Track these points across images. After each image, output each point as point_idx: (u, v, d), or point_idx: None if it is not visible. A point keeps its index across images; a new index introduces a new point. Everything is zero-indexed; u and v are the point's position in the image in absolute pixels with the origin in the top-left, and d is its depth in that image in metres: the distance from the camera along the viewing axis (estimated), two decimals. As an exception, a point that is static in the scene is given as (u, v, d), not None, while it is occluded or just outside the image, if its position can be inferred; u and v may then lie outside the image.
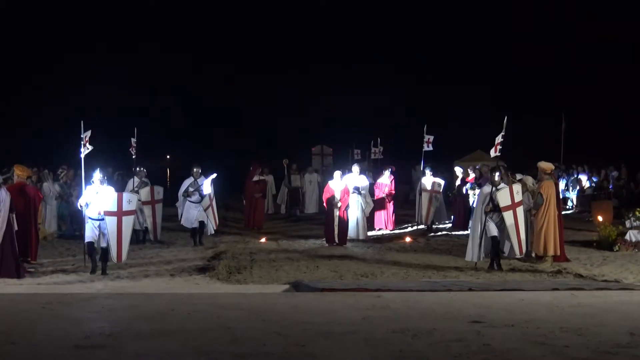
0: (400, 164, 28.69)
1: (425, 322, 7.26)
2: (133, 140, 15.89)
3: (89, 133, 12.60)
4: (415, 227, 18.37)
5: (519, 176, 13.76)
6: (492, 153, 12.79)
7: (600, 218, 16.81)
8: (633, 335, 6.68)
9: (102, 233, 11.64)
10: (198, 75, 49.05)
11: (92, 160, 13.02)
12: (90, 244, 11.70)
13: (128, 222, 11.88)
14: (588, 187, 23.64)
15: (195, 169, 15.81)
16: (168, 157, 48.75)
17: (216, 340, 6.59)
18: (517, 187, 12.43)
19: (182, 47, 48.34)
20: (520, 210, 12.24)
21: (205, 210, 15.65)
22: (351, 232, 16.04)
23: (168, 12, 48.85)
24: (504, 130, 12.57)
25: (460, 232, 17.56)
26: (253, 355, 6.06)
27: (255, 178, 19.38)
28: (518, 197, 12.26)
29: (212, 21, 50.28)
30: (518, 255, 12.38)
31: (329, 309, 8.06)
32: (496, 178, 12.30)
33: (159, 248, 14.96)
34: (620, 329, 6.93)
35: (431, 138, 17.85)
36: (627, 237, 14.22)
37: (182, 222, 15.92)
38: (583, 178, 24.10)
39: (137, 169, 16.10)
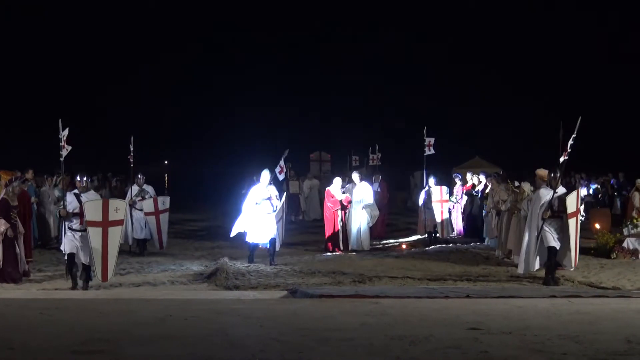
0: (399, 170, 28.72)
1: (423, 328, 7.26)
2: (131, 147, 15.67)
3: (66, 132, 11.10)
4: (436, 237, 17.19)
5: (517, 184, 13.77)
6: (562, 158, 11.50)
7: (597, 226, 16.82)
8: (630, 342, 6.68)
9: (82, 246, 10.27)
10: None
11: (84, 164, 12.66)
12: (72, 256, 10.37)
13: (115, 234, 10.23)
14: (587, 195, 23.66)
15: (266, 175, 13.71)
16: (166, 162, 48.67)
17: (214, 345, 6.58)
18: (581, 193, 11.57)
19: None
20: (578, 219, 11.44)
21: (278, 221, 13.78)
22: (354, 242, 15.66)
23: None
24: (575, 132, 11.36)
25: (459, 240, 17.55)
26: (251, 361, 6.06)
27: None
28: (578, 204, 11.51)
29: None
30: (572, 268, 11.58)
31: (326, 315, 8.05)
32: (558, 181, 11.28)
33: (157, 256, 14.93)
34: (618, 336, 6.93)
35: (432, 141, 16.78)
36: (624, 244, 14.23)
37: (249, 239, 13.85)
38: (583, 190, 24.09)
39: (138, 176, 15.68)
